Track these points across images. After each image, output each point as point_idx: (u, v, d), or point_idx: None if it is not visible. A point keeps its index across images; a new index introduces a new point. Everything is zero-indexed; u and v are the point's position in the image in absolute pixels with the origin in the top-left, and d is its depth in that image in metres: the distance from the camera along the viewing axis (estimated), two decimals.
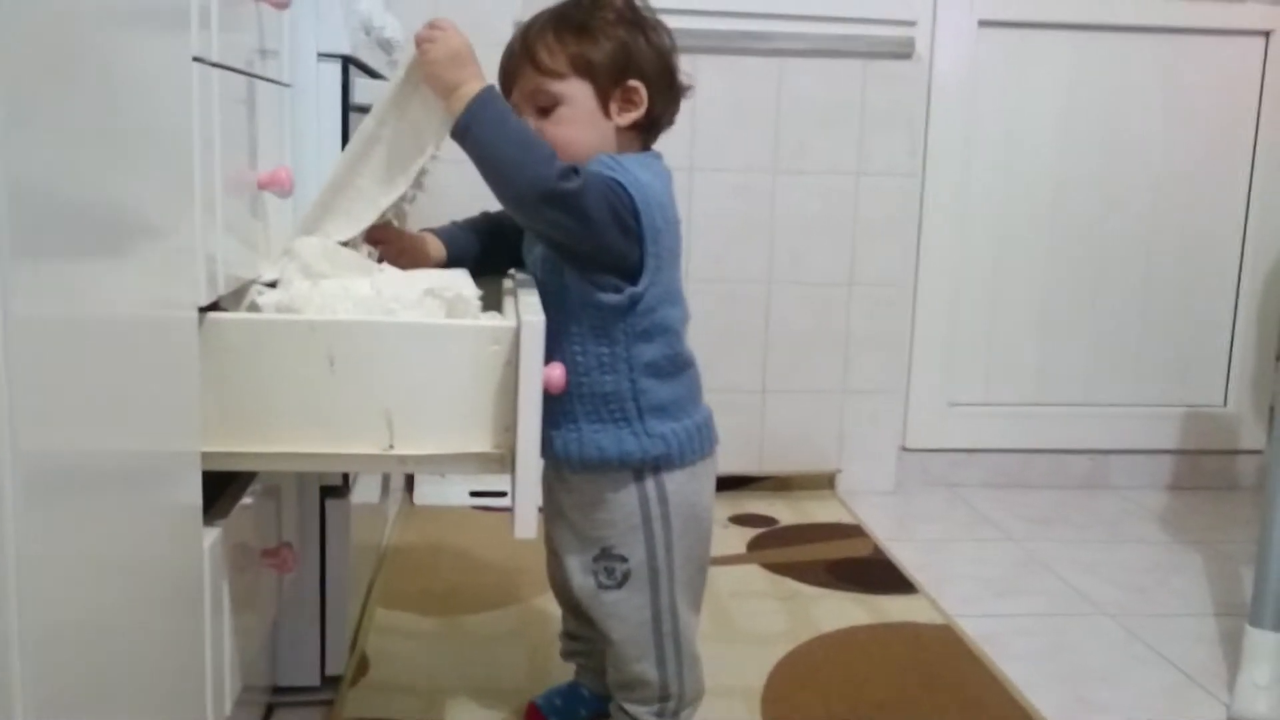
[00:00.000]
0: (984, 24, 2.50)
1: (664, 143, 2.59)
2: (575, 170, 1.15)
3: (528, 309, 1.05)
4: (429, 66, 1.17)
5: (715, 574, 2.05)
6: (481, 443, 1.07)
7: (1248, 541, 2.27)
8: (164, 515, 0.88)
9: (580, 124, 1.23)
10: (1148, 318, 2.67)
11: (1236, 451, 2.74)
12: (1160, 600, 2.00)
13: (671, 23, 2.54)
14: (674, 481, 1.25)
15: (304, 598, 1.45)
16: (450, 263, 1.33)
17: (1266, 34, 2.56)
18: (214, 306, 1.02)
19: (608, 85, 1.23)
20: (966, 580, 2.06)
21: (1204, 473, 2.73)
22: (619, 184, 1.18)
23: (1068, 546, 2.27)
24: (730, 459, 2.52)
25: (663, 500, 1.25)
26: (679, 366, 1.26)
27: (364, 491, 1.68)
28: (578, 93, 1.23)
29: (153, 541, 0.85)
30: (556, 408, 1.19)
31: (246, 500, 1.11)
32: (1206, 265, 2.68)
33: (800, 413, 2.56)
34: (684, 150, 2.42)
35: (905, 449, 2.65)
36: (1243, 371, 2.71)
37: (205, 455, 0.98)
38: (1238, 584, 2.07)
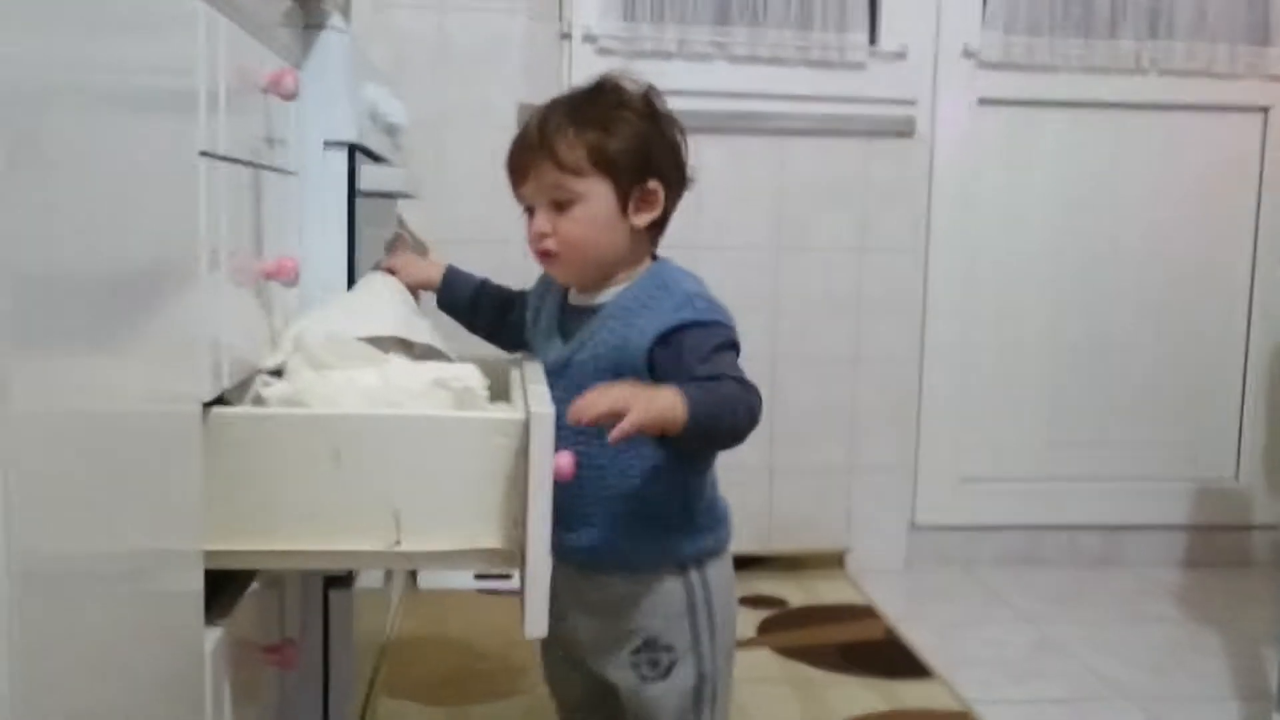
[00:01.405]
0: (984, 102, 2.52)
1: (671, 224, 2.60)
2: (746, 381, 1.16)
3: (537, 400, 1.03)
4: (647, 423, 1.05)
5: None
6: (491, 538, 1.04)
7: (1265, 621, 2.23)
8: (165, 614, 0.86)
9: (597, 224, 1.20)
10: (1157, 391, 2.66)
11: (1250, 527, 2.70)
12: (1181, 683, 1.96)
13: (675, 104, 2.57)
14: (714, 569, 1.24)
15: (306, 693, 1.41)
16: (440, 298, 1.41)
17: (1265, 110, 2.58)
18: (218, 399, 1.00)
19: (627, 185, 1.21)
20: (983, 664, 2.02)
21: (1217, 549, 2.69)
22: (735, 336, 1.23)
23: (1084, 627, 2.23)
24: (738, 539, 2.47)
25: (705, 587, 1.23)
26: (711, 458, 1.26)
27: (368, 578, 1.65)
28: (597, 191, 1.20)
29: (153, 641, 0.82)
30: (592, 516, 1.19)
31: (249, 596, 1.08)
32: (1214, 339, 2.66)
33: (808, 490, 2.53)
34: (688, 229, 2.41)
35: (915, 525, 2.61)
36: (1254, 445, 2.68)
37: (208, 554, 0.95)
38: (1258, 665, 2.02)
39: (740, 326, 2.65)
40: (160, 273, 0.83)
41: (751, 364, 2.61)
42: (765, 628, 2.18)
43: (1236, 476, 2.70)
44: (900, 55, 2.50)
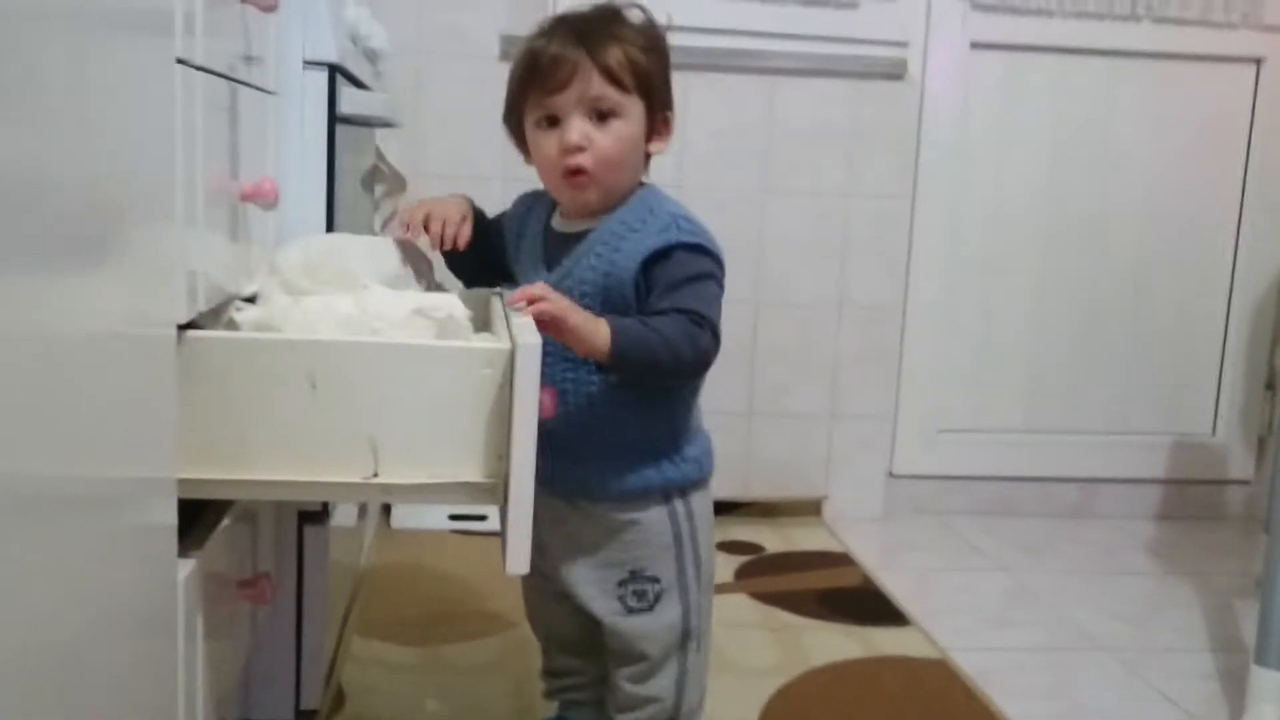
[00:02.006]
0: (976, 46, 2.48)
1: (655, 161, 2.56)
2: (703, 319, 1.14)
3: (523, 331, 1.00)
4: (572, 332, 1.07)
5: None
6: (472, 472, 1.01)
7: (1238, 574, 2.25)
8: (137, 544, 0.82)
9: (629, 144, 1.17)
10: (1137, 345, 2.65)
11: (1224, 481, 2.71)
12: (1157, 635, 1.96)
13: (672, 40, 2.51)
14: (698, 499, 1.24)
15: (279, 629, 1.38)
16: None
17: (1258, 61, 2.55)
18: (192, 324, 0.96)
19: (654, 110, 1.19)
20: (959, 612, 2.02)
21: (1192, 502, 2.70)
22: (718, 262, 1.20)
23: (1060, 577, 2.24)
24: (716, 483, 2.47)
25: (689, 517, 1.23)
26: (697, 388, 1.26)
27: (341, 515, 1.62)
28: (634, 111, 1.17)
29: (124, 570, 0.79)
30: (583, 445, 1.17)
31: (223, 529, 1.05)
32: (1196, 293, 2.65)
33: (787, 437, 2.52)
34: (674, 169, 2.38)
35: (893, 475, 2.60)
36: (1232, 401, 2.68)
37: (181, 482, 0.92)
38: (1232, 618, 2.03)
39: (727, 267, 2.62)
40: (134, 189, 0.78)
41: (734, 308, 2.58)
42: (742, 573, 2.17)
43: (1213, 431, 2.70)
44: None
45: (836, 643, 1.83)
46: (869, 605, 2.01)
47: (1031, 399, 2.64)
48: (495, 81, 2.32)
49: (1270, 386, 2.68)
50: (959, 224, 2.55)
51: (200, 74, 0.91)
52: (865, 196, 2.46)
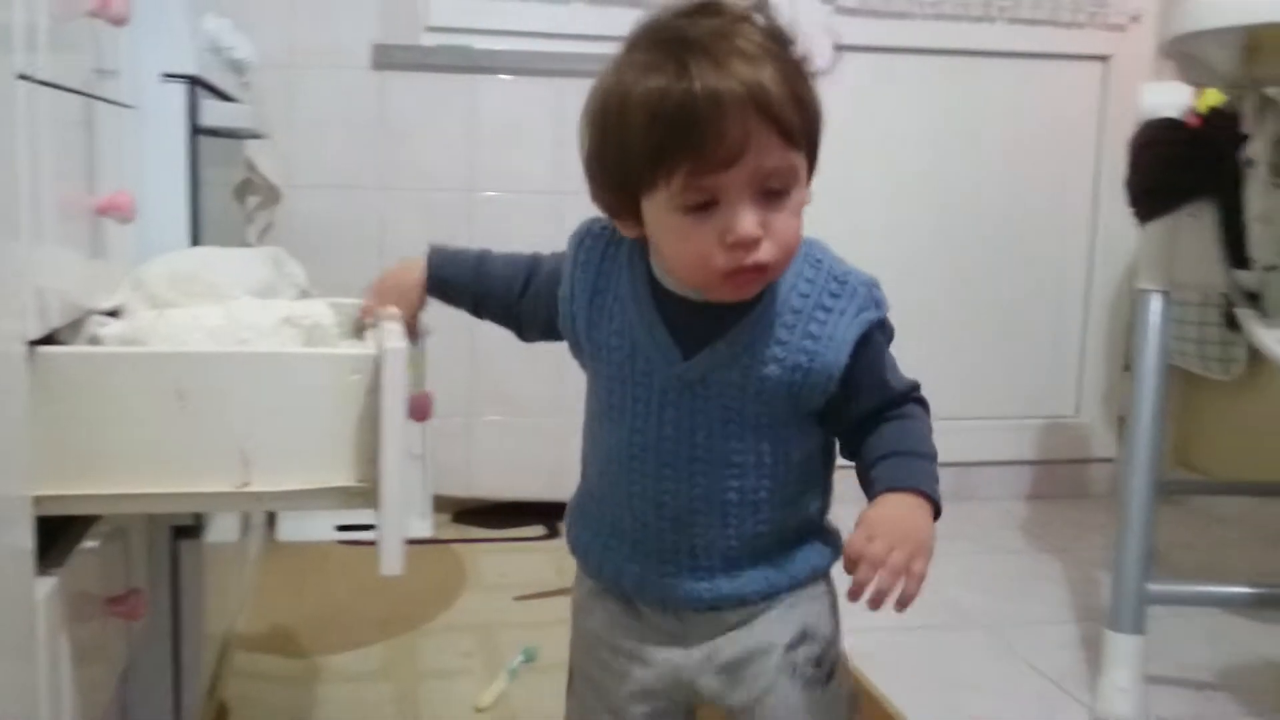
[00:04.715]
0: (841, 48, 2.55)
1: (524, 164, 2.57)
2: (916, 388, 0.97)
3: (389, 336, 1.01)
4: (913, 549, 0.84)
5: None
6: (344, 476, 1.02)
7: (1103, 548, 2.35)
8: None
9: (801, 213, 0.86)
10: (1004, 333, 2.76)
11: (1088, 460, 2.84)
12: (1027, 608, 2.05)
13: (532, 46, 2.54)
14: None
15: (155, 646, 1.37)
16: (430, 283, 1.09)
17: (1105, 58, 2.68)
18: (50, 340, 0.95)
19: (814, 160, 0.87)
20: (840, 595, 2.07)
21: (1059, 481, 2.82)
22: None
23: (938, 558, 2.30)
24: None
25: (832, 583, 1.01)
26: None
27: (221, 530, 1.60)
28: (804, 170, 0.86)
29: None
30: (744, 548, 0.93)
31: (88, 545, 1.04)
32: (1056, 281, 2.77)
33: None
34: (554, 175, 2.41)
35: None
36: (1093, 383, 2.81)
37: (39, 499, 0.91)
38: (1096, 589, 2.13)
39: None
40: None
41: None
42: None
43: (1076, 413, 2.82)
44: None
45: None
46: None
47: None
48: (368, 91, 2.36)
49: (1129, 368, 2.81)
50: (839, 217, 2.61)
51: (46, 89, 0.91)
52: None
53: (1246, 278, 1.72)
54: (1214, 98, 1.84)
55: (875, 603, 0.82)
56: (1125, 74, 2.62)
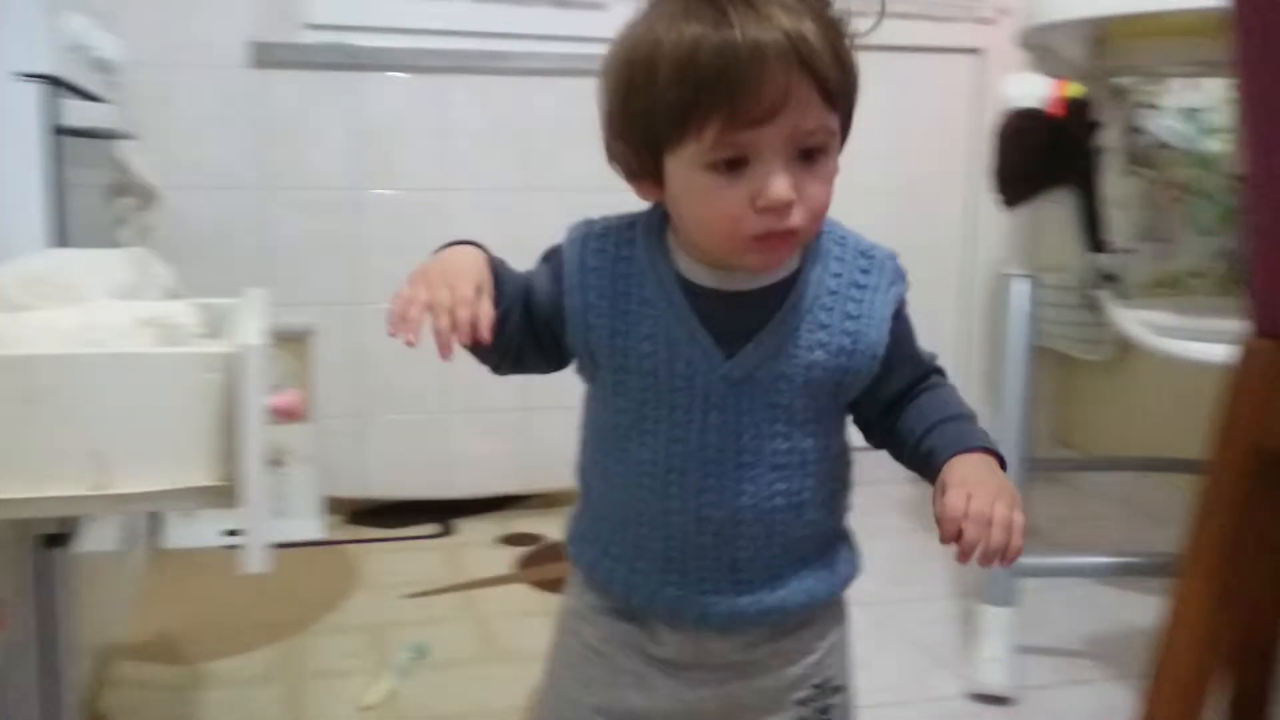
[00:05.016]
0: None
1: (408, 162, 2.56)
2: (935, 367, 0.91)
3: (246, 333, 1.01)
4: (1013, 502, 0.78)
5: (483, 596, 2.03)
6: (204, 476, 1.01)
7: None
8: None
9: (833, 181, 0.81)
10: None
11: None
12: (908, 587, 2.11)
13: (416, 43, 2.53)
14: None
15: (23, 658, 1.34)
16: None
17: (976, 51, 2.76)
18: None
19: (847, 128, 0.83)
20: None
21: None
22: None
23: None
24: (497, 479, 2.52)
25: (846, 605, 0.97)
26: None
27: (98, 539, 1.57)
28: (838, 136, 0.81)
29: None
30: (785, 555, 0.88)
31: None
32: (932, 274, 2.84)
33: (562, 428, 2.55)
34: (435, 171, 2.40)
35: None
36: (974, 367, 2.89)
37: None
38: (973, 566, 2.19)
39: None
40: None
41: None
42: (525, 563, 2.21)
43: None
44: None
45: None
46: None
47: None
48: (247, 90, 2.33)
49: None
50: None
51: None
52: (624, 190, 2.53)
53: (1105, 261, 1.79)
54: (1077, 88, 1.91)
55: (987, 559, 0.77)
56: (997, 66, 2.70)
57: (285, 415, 1.14)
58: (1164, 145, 1.82)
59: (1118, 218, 1.74)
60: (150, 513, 2.14)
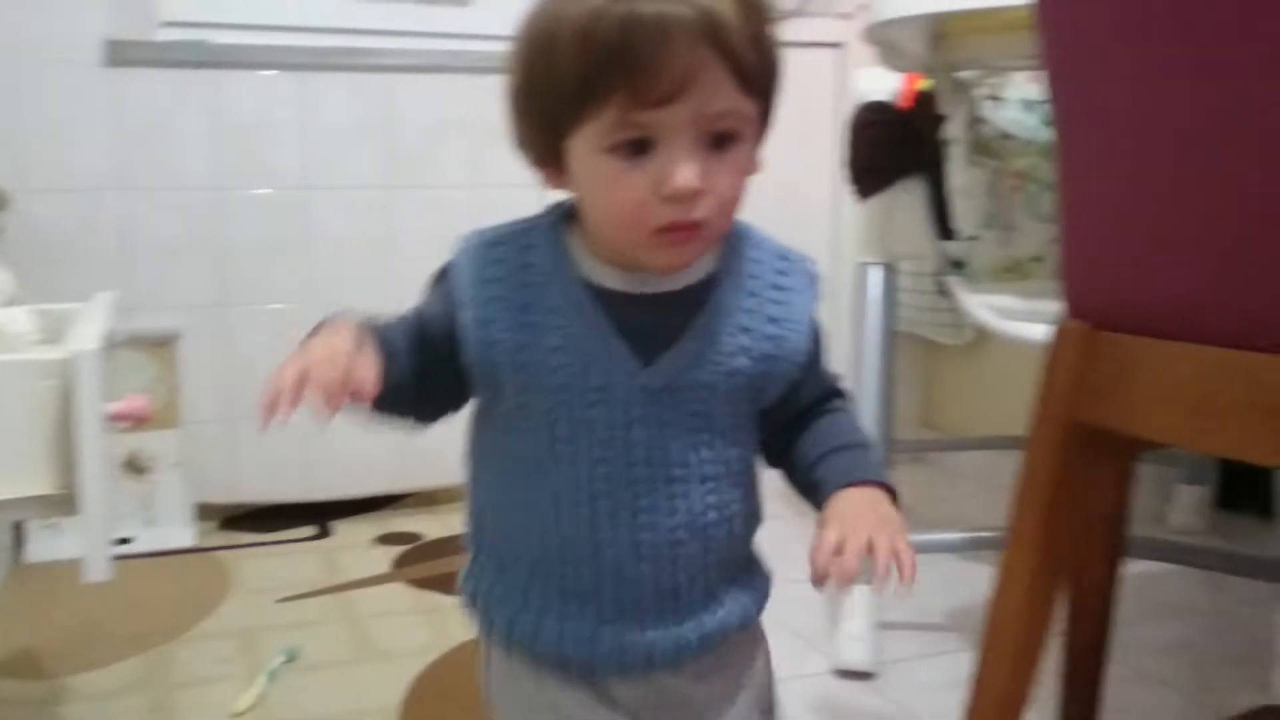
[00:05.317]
0: None
1: (273, 161, 2.53)
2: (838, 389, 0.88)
3: (81, 339, 1.00)
4: (893, 532, 0.76)
5: (359, 597, 2.03)
6: (42, 484, 1.01)
7: None
8: None
9: (747, 174, 0.77)
10: None
11: None
12: (779, 570, 2.15)
13: (277, 40, 2.50)
14: None
15: None
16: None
17: (837, 45, 2.83)
18: None
19: (765, 120, 0.78)
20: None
21: None
22: None
23: None
24: (374, 479, 2.50)
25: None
26: None
27: None
28: (754, 125, 0.76)
29: None
30: (720, 584, 0.84)
31: None
32: None
33: (440, 426, 2.56)
34: (297, 169, 2.38)
35: None
36: (839, 358, 2.96)
37: None
38: None
39: (354, 267, 2.63)
40: None
41: (368, 305, 2.59)
42: (401, 562, 2.21)
43: None
44: None
45: None
46: None
47: None
48: (103, 89, 2.27)
49: None
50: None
51: None
52: (494, 187, 2.53)
53: (953, 248, 1.86)
54: (928, 81, 1.98)
55: (877, 585, 0.73)
56: (856, 60, 2.77)
57: (131, 420, 1.13)
58: (1006, 135, 1.90)
59: (964, 206, 1.81)
60: (11, 526, 2.08)
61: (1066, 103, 1.05)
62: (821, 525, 0.76)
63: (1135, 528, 1.80)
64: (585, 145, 0.73)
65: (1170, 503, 2.34)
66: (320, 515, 2.46)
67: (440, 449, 2.62)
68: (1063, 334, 1.06)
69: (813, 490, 0.83)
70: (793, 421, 0.85)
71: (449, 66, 2.46)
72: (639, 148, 0.71)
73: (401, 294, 2.69)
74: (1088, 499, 1.10)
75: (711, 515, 0.81)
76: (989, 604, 1.12)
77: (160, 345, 2.29)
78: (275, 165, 2.38)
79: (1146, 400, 0.99)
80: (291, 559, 2.24)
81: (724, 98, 0.71)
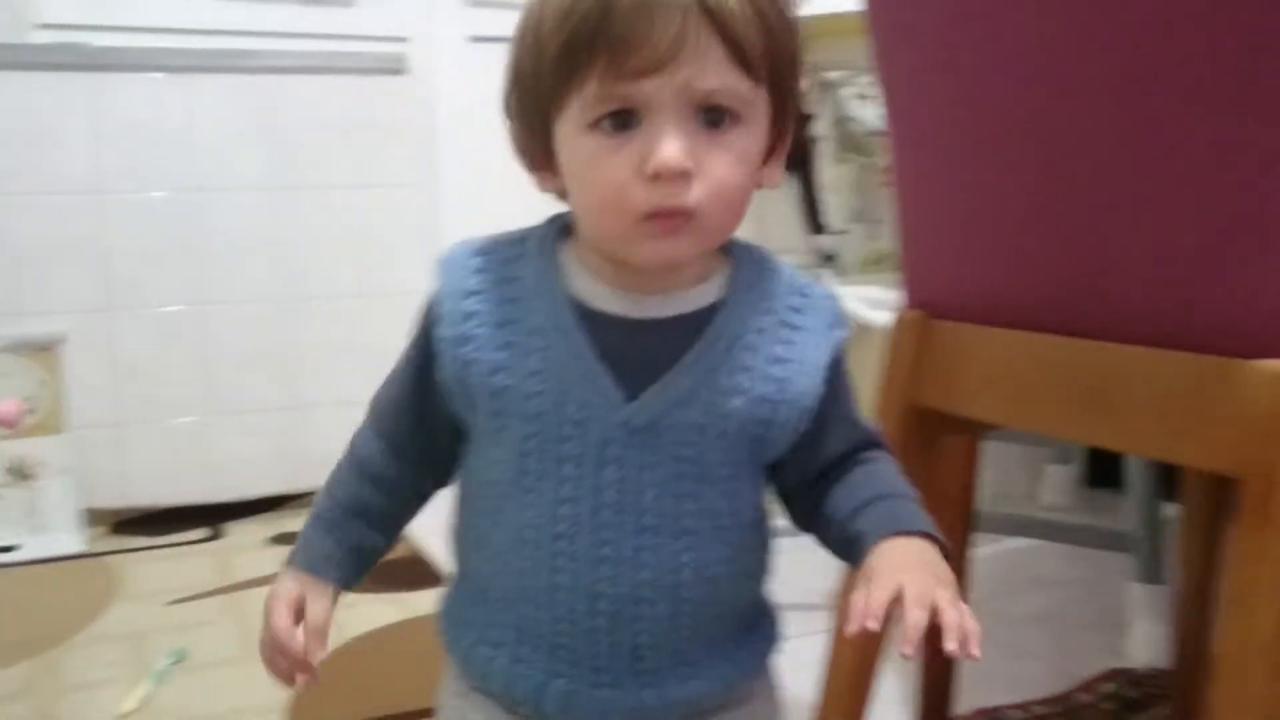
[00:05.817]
0: (475, 39, 2.64)
1: (159, 164, 2.52)
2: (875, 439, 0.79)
3: None
4: (955, 592, 0.65)
5: (249, 597, 2.03)
6: None
7: None
8: None
9: (750, 166, 0.69)
10: None
11: None
12: None
13: (155, 41, 2.48)
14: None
15: None
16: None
17: None
18: None
19: (782, 114, 0.71)
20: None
21: None
22: None
23: None
24: (266, 479, 2.50)
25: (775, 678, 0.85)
26: None
27: None
28: (760, 114, 0.69)
29: None
30: (696, 637, 0.74)
31: None
32: None
33: (332, 426, 2.57)
34: (180, 172, 2.37)
35: None
36: None
37: None
38: None
39: (243, 269, 2.63)
40: None
41: (258, 306, 2.60)
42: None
43: None
44: None
45: (376, 612, 1.93)
46: (413, 572, 2.13)
47: None
48: None
49: None
50: (482, 209, 2.70)
51: None
52: (384, 187, 2.55)
53: (824, 242, 1.93)
54: None
55: (954, 645, 0.62)
56: None
57: (1, 424, 1.14)
58: (873, 133, 1.98)
59: (833, 201, 1.88)
60: None
61: (896, 102, 1.11)
62: (865, 579, 0.66)
63: (1007, 506, 1.91)
64: (570, 127, 0.68)
65: (1040, 481, 2.45)
66: (213, 517, 2.45)
67: (332, 449, 2.63)
68: (901, 323, 1.13)
69: (850, 546, 0.72)
70: (824, 473, 0.76)
71: (334, 68, 2.47)
72: (622, 124, 0.66)
73: (291, 294, 2.72)
74: (933, 478, 1.16)
75: (686, 574, 0.71)
76: (840, 580, 1.18)
77: (44, 350, 2.26)
78: (161, 168, 2.37)
79: (977, 384, 1.06)
80: (183, 562, 2.24)
81: (716, 74, 0.65)
